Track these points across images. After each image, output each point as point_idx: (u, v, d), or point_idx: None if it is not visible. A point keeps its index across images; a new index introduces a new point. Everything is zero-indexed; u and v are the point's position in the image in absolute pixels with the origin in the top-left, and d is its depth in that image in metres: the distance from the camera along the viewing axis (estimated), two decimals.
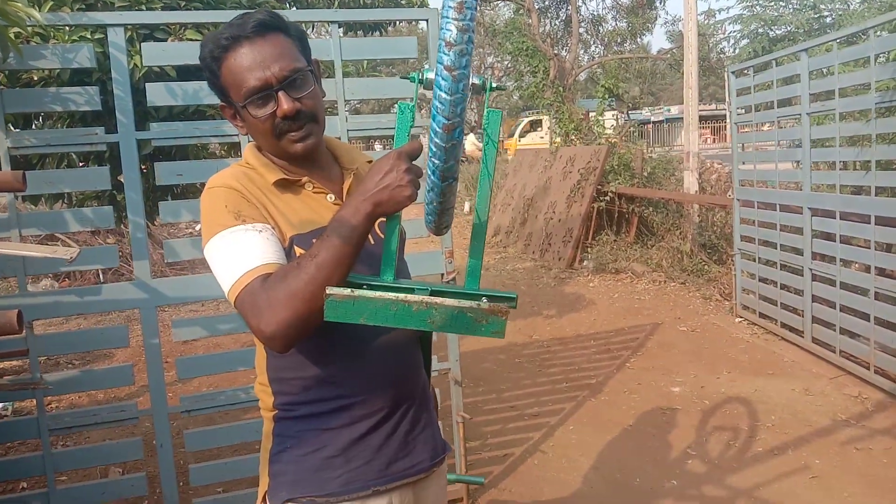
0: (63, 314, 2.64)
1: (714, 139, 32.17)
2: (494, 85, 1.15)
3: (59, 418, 2.65)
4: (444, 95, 1.01)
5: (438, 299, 1.03)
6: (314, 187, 1.37)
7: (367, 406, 1.35)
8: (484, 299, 1.19)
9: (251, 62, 1.25)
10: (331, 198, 1.38)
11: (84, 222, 2.60)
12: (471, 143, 22.63)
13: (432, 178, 1.10)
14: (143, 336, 2.68)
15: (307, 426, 1.34)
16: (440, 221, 1.22)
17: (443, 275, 3.04)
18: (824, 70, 4.80)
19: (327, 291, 1.05)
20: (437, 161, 1.06)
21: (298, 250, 1.28)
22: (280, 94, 1.26)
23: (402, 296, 1.04)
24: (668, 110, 36.73)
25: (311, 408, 1.34)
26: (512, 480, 3.45)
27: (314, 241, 1.23)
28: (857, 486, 3.23)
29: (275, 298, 1.13)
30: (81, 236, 8.82)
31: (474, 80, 1.10)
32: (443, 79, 1.00)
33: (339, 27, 2.84)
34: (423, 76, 1.13)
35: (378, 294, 1.05)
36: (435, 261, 2.99)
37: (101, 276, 7.82)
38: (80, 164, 3.91)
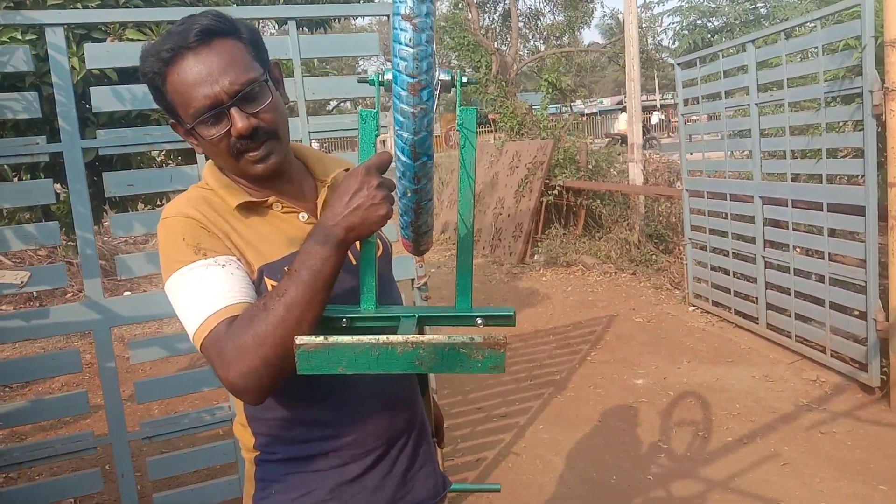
0: (9, 341, 2.43)
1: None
2: (465, 79, 1.03)
3: (6, 454, 2.44)
4: (405, 49, 0.85)
5: (425, 338, 0.90)
6: (283, 207, 1.22)
7: (358, 445, 1.21)
8: (479, 321, 1.10)
9: (196, 77, 1.09)
10: (303, 216, 1.23)
11: (27, 240, 2.39)
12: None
13: (403, 160, 0.94)
14: (98, 359, 2.49)
15: (292, 469, 1.21)
16: (418, 225, 1.06)
17: (413, 280, 2.94)
18: (771, 61, 4.87)
19: (297, 341, 0.90)
20: (406, 135, 0.91)
21: (269, 282, 1.14)
22: (233, 111, 1.10)
23: (382, 339, 0.90)
24: (601, 102, 37.44)
25: (296, 449, 1.20)
26: None
27: (285, 270, 1.12)
28: (827, 470, 3.28)
29: (241, 345, 0.99)
30: (8, 252, 8.33)
31: (442, 75, 0.98)
32: (401, 30, 0.85)
33: (296, 24, 2.70)
34: (383, 77, 1.02)
35: (355, 339, 0.90)
36: (405, 266, 2.89)
37: (34, 293, 7.38)
38: (14, 176, 3.64)
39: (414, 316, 1.09)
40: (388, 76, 1.02)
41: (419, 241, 1.10)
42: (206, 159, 1.27)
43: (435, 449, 1.45)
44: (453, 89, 1.02)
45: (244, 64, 1.12)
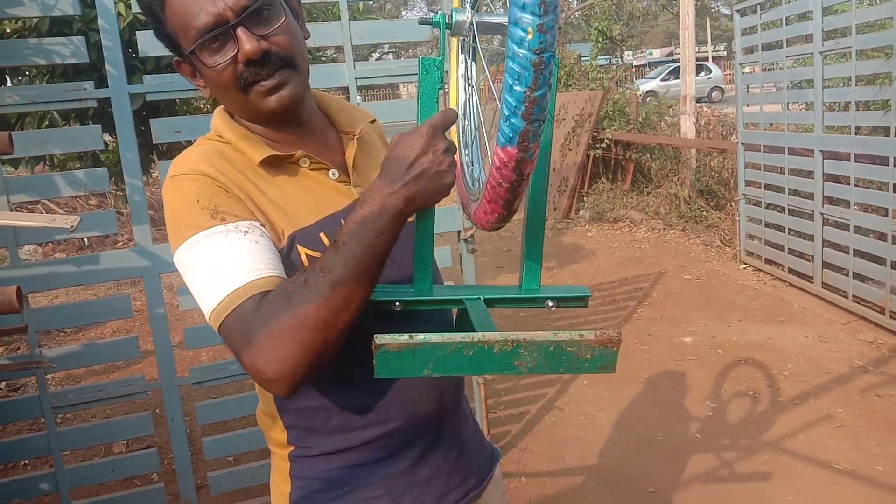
0: (61, 286, 2.46)
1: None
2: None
3: (62, 396, 2.50)
4: None
5: (529, 335, 0.78)
6: (311, 163, 1.05)
7: (407, 431, 1.07)
8: (550, 303, 0.99)
9: None
10: (333, 174, 1.06)
11: (76, 186, 2.40)
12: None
13: (514, 122, 0.75)
14: (148, 305, 2.51)
15: (334, 464, 1.06)
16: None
17: (459, 232, 2.88)
18: (836, 7, 4.60)
19: (377, 341, 0.76)
20: (520, 89, 0.73)
21: (303, 251, 0.99)
22: (239, 30, 0.94)
23: (478, 337, 0.77)
24: (651, 53, 36.29)
25: (336, 441, 1.05)
26: (532, 439, 3.36)
27: (323, 239, 0.99)
28: (883, 433, 3.18)
29: (277, 328, 0.84)
30: (60, 200, 8.52)
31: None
32: None
33: None
34: (451, 19, 0.89)
35: (445, 338, 0.78)
36: (451, 217, 2.83)
37: (85, 241, 7.57)
38: (64, 124, 3.68)
39: (480, 298, 0.97)
40: (459, 17, 0.91)
41: (503, 219, 0.91)
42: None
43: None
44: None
45: None
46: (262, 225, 0.96)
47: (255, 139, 1.04)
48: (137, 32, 2.43)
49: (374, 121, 1.21)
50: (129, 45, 3.12)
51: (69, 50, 2.36)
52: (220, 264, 0.90)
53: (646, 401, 3.70)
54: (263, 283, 0.89)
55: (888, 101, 4.05)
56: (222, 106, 1.07)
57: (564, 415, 3.61)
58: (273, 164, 1.02)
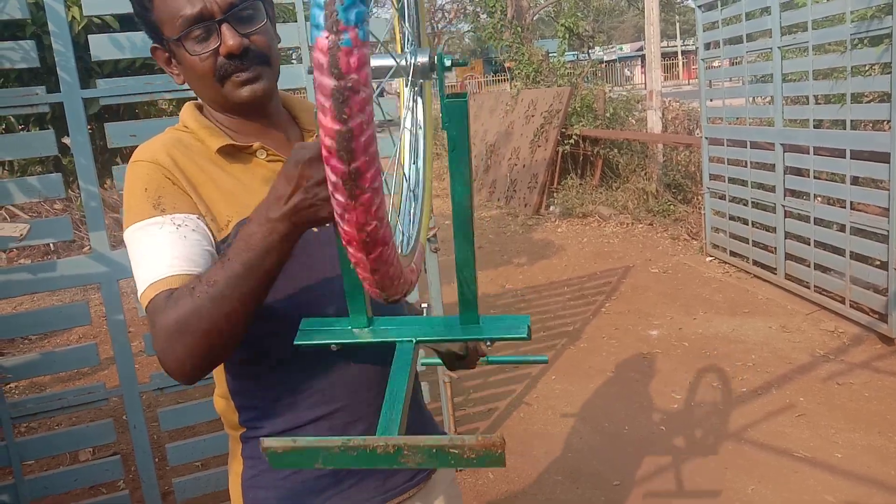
0: (17, 294, 2.43)
1: (665, 77, 32.20)
2: (450, 62, 0.84)
3: (21, 405, 2.46)
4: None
5: (412, 440, 0.75)
6: (268, 154, 1.11)
7: (351, 412, 1.12)
8: (488, 344, 0.94)
9: None
10: None
11: (30, 192, 2.36)
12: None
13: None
14: (106, 311, 2.48)
15: None
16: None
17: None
18: (795, 1, 4.69)
19: (263, 444, 0.76)
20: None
21: None
22: (224, 26, 1.02)
23: (358, 441, 0.75)
24: (621, 49, 36.53)
25: (284, 420, 1.10)
26: None
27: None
28: (843, 421, 3.25)
29: (169, 328, 0.90)
30: (26, 205, 8.38)
31: (420, 57, 0.83)
32: None
33: None
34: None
35: (325, 442, 0.76)
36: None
37: (52, 246, 7.45)
38: (20, 129, 3.61)
39: (412, 341, 0.94)
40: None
41: (382, 283, 0.76)
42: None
43: (430, 416, 1.35)
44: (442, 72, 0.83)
45: None
46: (202, 217, 1.03)
47: (218, 131, 1.11)
48: (90, 37, 2.40)
49: None
50: (86, 47, 3.07)
51: (19, 55, 2.32)
52: (149, 255, 0.97)
53: (612, 394, 3.74)
54: (176, 280, 0.94)
55: (843, 95, 4.13)
56: (191, 102, 1.16)
57: (532, 410, 3.64)
58: (230, 154, 1.09)
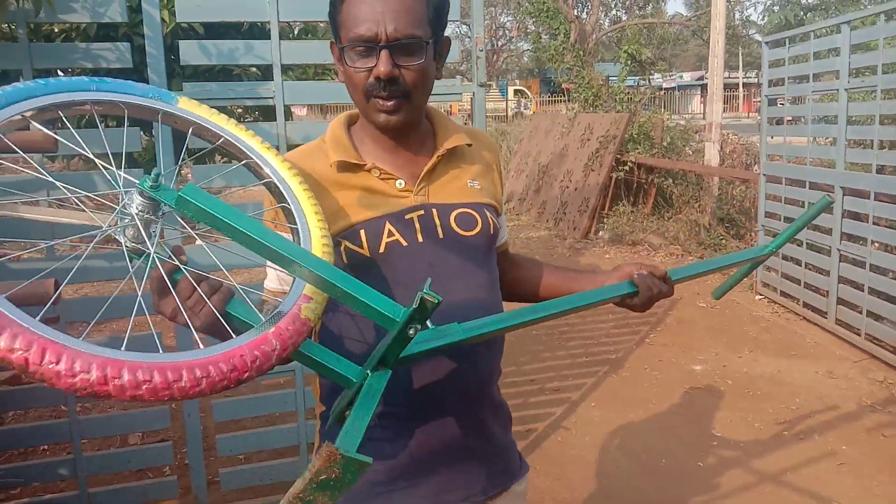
0: (93, 279, 2.57)
1: (725, 108, 31.74)
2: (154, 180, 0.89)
3: None
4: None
5: (289, 495, 0.77)
6: (381, 173, 1.22)
7: (416, 418, 1.19)
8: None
9: (369, 11, 1.12)
10: (400, 183, 1.22)
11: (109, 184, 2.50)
12: None
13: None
14: None
15: None
16: None
17: None
18: (865, 45, 4.64)
19: None
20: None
21: (344, 244, 1.17)
22: (383, 52, 1.13)
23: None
24: (681, 77, 36.16)
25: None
26: (537, 457, 3.41)
27: (362, 235, 1.17)
28: (886, 473, 3.19)
29: None
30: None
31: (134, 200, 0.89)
32: None
33: None
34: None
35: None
36: None
37: None
38: (106, 124, 3.81)
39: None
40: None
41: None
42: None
43: (511, 435, 1.39)
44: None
45: (417, 19, 1.14)
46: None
47: (345, 145, 1.24)
48: (179, 42, 2.54)
49: (471, 144, 1.32)
50: (170, 49, 3.24)
51: (115, 55, 2.47)
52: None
53: (652, 426, 3.74)
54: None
55: None
56: (344, 113, 1.31)
57: (571, 435, 3.66)
58: (346, 168, 1.22)
